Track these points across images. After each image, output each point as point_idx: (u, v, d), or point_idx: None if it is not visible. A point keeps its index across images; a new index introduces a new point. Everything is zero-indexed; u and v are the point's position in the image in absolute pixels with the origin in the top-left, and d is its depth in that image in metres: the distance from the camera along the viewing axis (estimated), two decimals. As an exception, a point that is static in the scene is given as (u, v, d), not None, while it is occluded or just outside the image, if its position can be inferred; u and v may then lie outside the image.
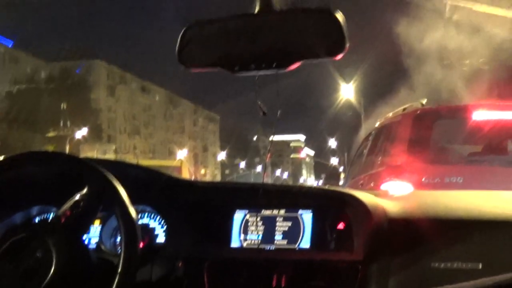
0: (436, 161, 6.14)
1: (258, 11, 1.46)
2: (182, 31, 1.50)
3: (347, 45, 1.41)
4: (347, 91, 33.43)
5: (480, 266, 1.60)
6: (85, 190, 1.57)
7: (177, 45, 1.51)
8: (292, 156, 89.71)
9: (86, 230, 1.53)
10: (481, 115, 6.22)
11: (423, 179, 5.72)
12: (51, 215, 1.81)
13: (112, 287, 1.40)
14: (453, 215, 1.77)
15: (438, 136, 6.64)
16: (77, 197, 1.60)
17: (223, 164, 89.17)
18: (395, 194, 2.03)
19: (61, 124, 50.95)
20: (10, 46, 56.69)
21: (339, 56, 1.43)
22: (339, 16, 1.41)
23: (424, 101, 7.37)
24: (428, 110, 6.94)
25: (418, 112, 6.86)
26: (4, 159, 1.53)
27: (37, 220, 1.83)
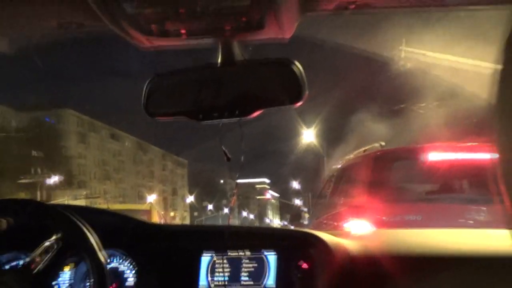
0: (396, 200, 6.19)
1: (221, 63, 1.48)
2: (147, 82, 1.51)
3: (306, 93, 1.43)
4: (309, 136, 33.64)
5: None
6: (54, 237, 1.55)
7: (143, 96, 1.51)
8: (258, 197, 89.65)
9: (56, 276, 1.51)
10: (436, 156, 6.35)
11: (383, 218, 5.76)
12: (21, 262, 1.78)
13: None
14: (413, 253, 1.78)
15: (397, 176, 6.72)
16: (47, 243, 1.58)
17: (192, 207, 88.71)
18: (357, 233, 2.04)
19: (32, 171, 50.40)
20: (-19, 97, 56.19)
21: (299, 104, 1.45)
22: (298, 66, 1.43)
23: (383, 143, 7.47)
24: (387, 152, 7.05)
25: (378, 153, 6.98)
26: None
27: (7, 267, 1.80)
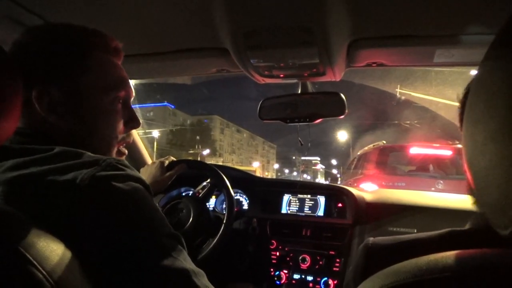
0: (390, 173, 6.21)
1: (300, 92, 1.46)
2: (261, 101, 1.52)
3: (346, 110, 1.40)
4: (343, 136, 33.25)
5: (415, 230, 1.55)
6: (208, 180, 1.59)
7: (258, 108, 1.52)
8: (313, 167, 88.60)
9: (208, 200, 1.54)
10: (415, 150, 6.30)
11: (383, 183, 5.73)
12: (191, 192, 1.83)
13: (220, 231, 1.41)
14: (399, 202, 1.72)
15: (391, 160, 6.65)
16: (204, 183, 1.63)
17: (277, 171, 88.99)
18: (368, 190, 1.98)
19: (195, 147, 51.93)
20: (173, 107, 58.27)
21: (342, 116, 1.42)
22: (342, 95, 1.40)
23: (384, 142, 7.41)
24: (387, 146, 7.03)
25: (381, 147, 6.94)
26: (178, 162, 1.55)
27: (184, 194, 1.85)
